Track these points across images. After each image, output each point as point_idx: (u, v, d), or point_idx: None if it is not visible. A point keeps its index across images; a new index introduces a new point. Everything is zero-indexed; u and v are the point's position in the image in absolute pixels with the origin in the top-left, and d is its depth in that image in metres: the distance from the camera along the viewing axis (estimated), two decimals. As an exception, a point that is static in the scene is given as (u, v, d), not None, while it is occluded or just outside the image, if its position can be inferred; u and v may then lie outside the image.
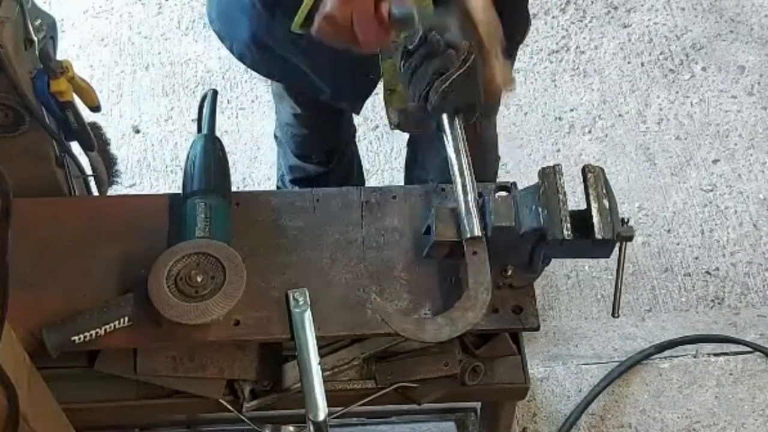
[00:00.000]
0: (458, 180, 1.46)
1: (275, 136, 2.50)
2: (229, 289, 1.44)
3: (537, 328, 1.51)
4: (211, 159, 1.61)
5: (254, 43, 1.83)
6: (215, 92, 1.68)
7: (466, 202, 1.45)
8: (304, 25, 1.40)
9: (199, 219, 1.52)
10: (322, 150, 2.37)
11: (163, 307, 1.42)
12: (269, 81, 2.33)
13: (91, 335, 1.44)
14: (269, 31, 1.76)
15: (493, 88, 1.44)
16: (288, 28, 1.43)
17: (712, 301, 2.71)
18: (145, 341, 1.48)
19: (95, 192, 1.91)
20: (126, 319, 1.45)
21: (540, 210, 1.42)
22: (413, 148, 2.42)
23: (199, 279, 1.44)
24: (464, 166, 1.46)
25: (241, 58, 1.92)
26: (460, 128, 1.46)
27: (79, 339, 1.43)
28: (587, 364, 2.42)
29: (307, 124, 2.24)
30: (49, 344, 1.42)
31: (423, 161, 2.36)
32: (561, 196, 1.41)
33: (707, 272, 2.76)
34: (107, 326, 1.44)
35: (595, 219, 1.40)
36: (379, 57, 1.56)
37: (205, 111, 1.67)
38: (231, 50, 1.92)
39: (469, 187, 1.45)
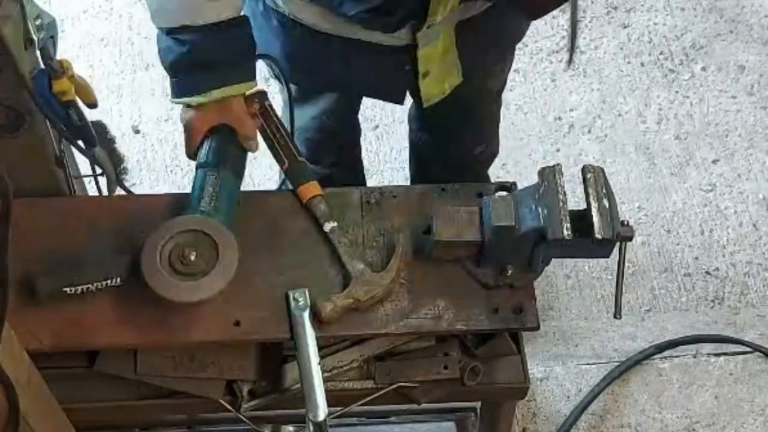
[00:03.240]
0: None
1: None
2: (221, 269, 1.45)
3: (537, 328, 1.52)
4: (233, 138, 1.62)
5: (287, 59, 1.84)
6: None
7: None
8: None
9: (206, 192, 1.53)
10: (332, 152, 2.38)
11: (155, 283, 1.44)
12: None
13: (83, 289, 1.46)
14: (304, 49, 1.79)
15: None
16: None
17: (712, 301, 2.71)
18: (133, 303, 1.48)
19: (96, 191, 1.91)
20: (119, 279, 1.47)
21: (540, 210, 1.42)
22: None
23: (192, 257, 1.45)
24: None
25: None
26: None
27: (71, 290, 1.45)
28: (587, 364, 2.42)
29: (324, 127, 2.24)
30: (41, 290, 1.44)
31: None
32: (561, 196, 1.42)
33: (707, 272, 2.76)
34: (99, 283, 1.46)
35: (595, 219, 1.40)
36: (418, 48, 1.65)
37: None
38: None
39: None
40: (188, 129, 1.60)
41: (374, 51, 1.70)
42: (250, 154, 2.82)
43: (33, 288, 1.46)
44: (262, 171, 2.92)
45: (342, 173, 2.43)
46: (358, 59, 1.73)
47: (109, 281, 1.47)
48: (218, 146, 1.60)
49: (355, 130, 2.42)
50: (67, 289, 1.45)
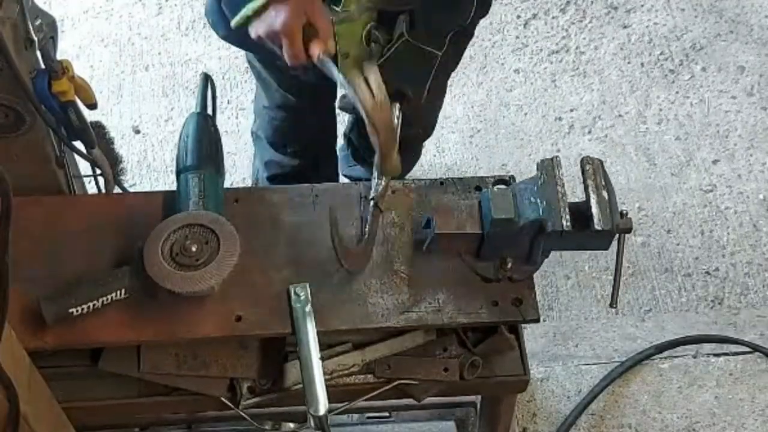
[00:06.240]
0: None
1: (252, 133, 2.52)
2: (223, 258, 1.45)
3: (537, 320, 1.52)
4: (203, 135, 1.64)
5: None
6: (206, 75, 1.74)
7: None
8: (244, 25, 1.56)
9: (192, 192, 1.55)
10: (297, 140, 2.36)
11: (157, 276, 1.43)
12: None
13: (88, 307, 1.45)
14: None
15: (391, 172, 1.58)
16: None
17: (712, 301, 2.71)
18: (141, 314, 1.48)
19: (94, 191, 1.91)
20: (123, 291, 1.46)
21: (539, 201, 1.42)
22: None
23: (193, 249, 1.45)
24: None
25: (207, 16, 1.93)
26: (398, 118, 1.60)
27: (77, 311, 1.44)
28: (587, 364, 2.42)
29: (285, 106, 2.23)
30: (47, 315, 1.42)
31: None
32: (560, 188, 1.42)
33: (707, 272, 2.76)
34: (104, 298, 1.45)
35: (594, 210, 1.40)
36: (333, 22, 1.61)
37: (198, 91, 1.72)
38: (205, 12, 1.94)
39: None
40: (288, 34, 1.50)
41: None
42: (249, 154, 2.82)
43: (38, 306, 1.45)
44: (262, 171, 2.93)
45: (314, 174, 2.40)
46: None
47: (114, 295, 1.47)
48: (194, 147, 1.62)
49: (322, 120, 2.34)
50: (73, 310, 1.44)
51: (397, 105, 1.62)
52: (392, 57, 1.60)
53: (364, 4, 1.63)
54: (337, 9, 1.64)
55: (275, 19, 1.49)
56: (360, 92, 1.48)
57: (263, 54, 1.87)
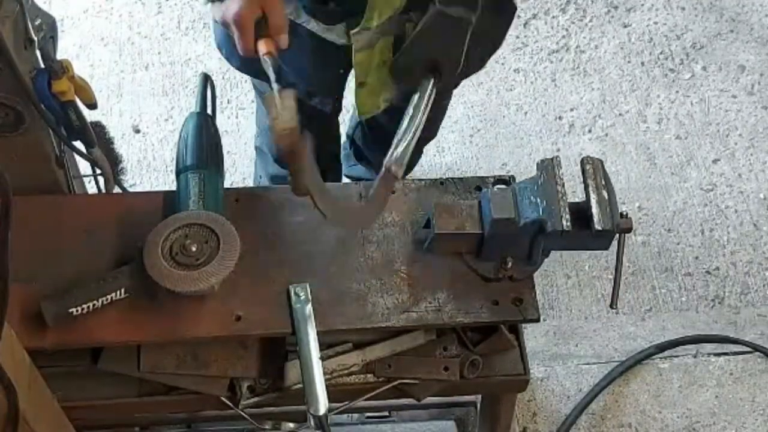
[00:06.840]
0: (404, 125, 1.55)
1: (256, 148, 2.51)
2: (223, 257, 1.45)
3: (537, 320, 1.52)
4: (203, 134, 1.64)
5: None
6: (206, 75, 1.73)
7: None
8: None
9: (192, 192, 1.55)
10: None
11: (157, 275, 1.43)
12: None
13: (88, 307, 1.44)
14: None
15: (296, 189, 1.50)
16: None
17: (713, 300, 2.71)
18: (141, 314, 1.48)
19: (94, 191, 1.91)
20: (123, 291, 1.46)
21: (539, 201, 1.42)
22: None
23: (193, 248, 1.45)
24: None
25: (219, 48, 1.92)
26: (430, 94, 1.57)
27: (77, 311, 1.44)
28: (587, 364, 2.42)
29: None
30: (47, 315, 1.42)
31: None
32: (560, 188, 1.42)
33: (707, 272, 2.76)
34: (104, 298, 1.45)
35: (594, 210, 1.40)
36: (353, 50, 1.62)
37: (197, 91, 1.71)
38: (217, 45, 1.93)
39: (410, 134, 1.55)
40: (238, 24, 1.47)
41: (316, 41, 1.69)
42: (249, 154, 2.81)
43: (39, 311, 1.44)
44: (261, 170, 2.92)
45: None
46: (298, 42, 1.67)
47: (114, 295, 1.46)
48: (194, 147, 1.62)
49: (325, 138, 2.30)
50: (73, 310, 1.44)
51: (432, 81, 1.58)
52: (423, 29, 1.55)
53: (385, 25, 1.63)
54: (353, 31, 1.63)
55: (229, 7, 1.47)
56: (271, 114, 1.42)
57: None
